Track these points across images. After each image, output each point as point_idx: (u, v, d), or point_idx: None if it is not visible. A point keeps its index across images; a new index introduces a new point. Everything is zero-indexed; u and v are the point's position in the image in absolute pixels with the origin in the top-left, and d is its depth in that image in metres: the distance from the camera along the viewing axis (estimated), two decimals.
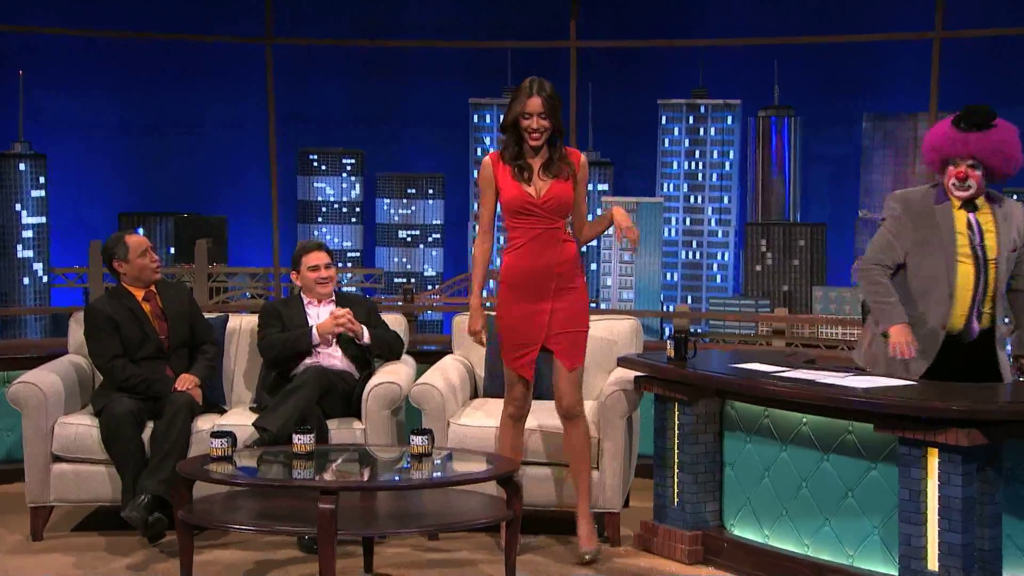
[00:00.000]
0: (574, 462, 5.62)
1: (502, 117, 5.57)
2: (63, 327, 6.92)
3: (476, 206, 11.01)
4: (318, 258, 6.51)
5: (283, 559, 5.55)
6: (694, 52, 9.42)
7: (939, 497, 4.69)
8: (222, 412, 6.31)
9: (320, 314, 6.48)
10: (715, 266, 9.90)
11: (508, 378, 5.59)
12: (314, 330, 6.31)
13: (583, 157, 5.53)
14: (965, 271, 5.13)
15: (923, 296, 5.23)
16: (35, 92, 8.44)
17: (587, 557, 5.50)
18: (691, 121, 10.15)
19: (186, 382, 6.08)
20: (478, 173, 5.63)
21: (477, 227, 5.61)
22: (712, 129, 10.31)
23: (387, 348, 6.51)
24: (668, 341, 5.85)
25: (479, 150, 10.37)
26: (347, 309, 6.38)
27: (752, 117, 10.20)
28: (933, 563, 4.72)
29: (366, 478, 5.31)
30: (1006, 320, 5.25)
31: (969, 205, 5.14)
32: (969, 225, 5.13)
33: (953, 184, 5.09)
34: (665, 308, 9.52)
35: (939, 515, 4.69)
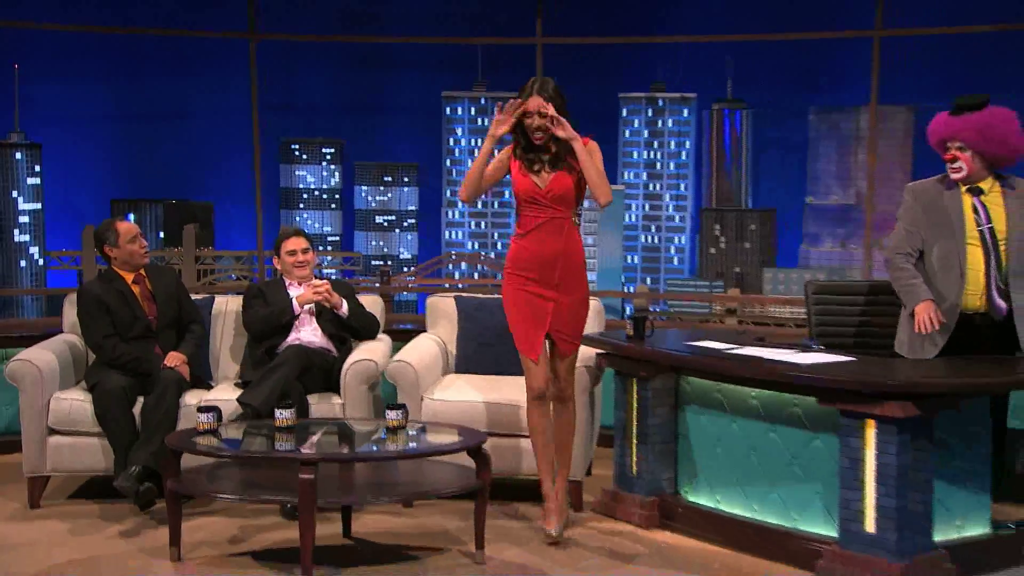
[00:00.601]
0: (559, 439, 5.52)
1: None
2: (58, 307, 6.89)
3: (448, 193, 11.06)
4: (296, 243, 6.54)
5: (266, 525, 5.55)
6: (653, 48, 9.45)
7: (876, 465, 4.74)
8: (209, 388, 6.30)
9: (297, 290, 6.52)
10: (672, 249, 9.93)
11: (524, 363, 5.46)
12: (294, 301, 6.32)
13: (591, 143, 5.40)
14: (974, 252, 5.12)
15: (939, 276, 5.24)
16: (30, 84, 8.38)
17: (553, 533, 5.36)
18: (650, 113, 10.16)
19: (174, 360, 6.07)
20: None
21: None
22: (670, 121, 10.30)
23: (365, 322, 6.53)
24: (627, 320, 5.88)
25: (451, 140, 10.35)
26: (325, 280, 6.42)
27: (707, 110, 10.21)
28: (870, 526, 4.78)
29: (345, 450, 5.31)
30: None
31: (976, 190, 5.12)
32: (975, 208, 5.10)
33: (948, 167, 5.10)
34: (626, 289, 9.54)
35: (876, 481, 4.75)
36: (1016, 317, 5.09)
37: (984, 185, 5.09)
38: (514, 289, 5.42)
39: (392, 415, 5.21)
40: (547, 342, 5.46)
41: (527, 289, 5.38)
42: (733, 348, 5.50)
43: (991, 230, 5.08)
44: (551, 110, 5.23)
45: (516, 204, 5.45)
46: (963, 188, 5.14)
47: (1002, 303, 5.14)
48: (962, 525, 5.05)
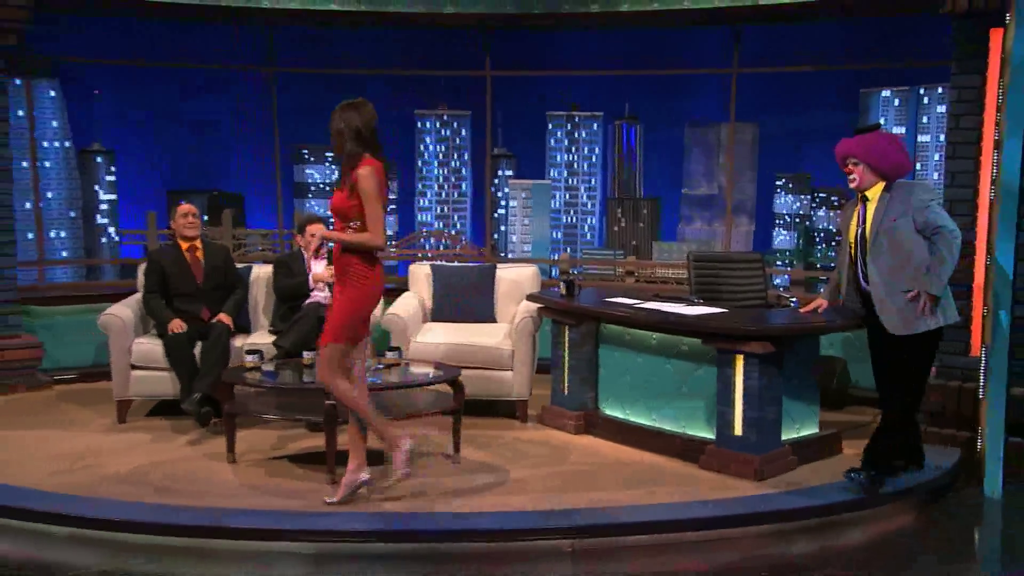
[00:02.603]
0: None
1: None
2: (129, 272, 6.75)
3: (420, 186, 11.09)
4: (316, 228, 6.45)
5: (295, 436, 5.55)
6: (571, 79, 9.51)
7: (743, 387, 4.84)
8: (249, 333, 6.23)
9: (314, 266, 6.44)
10: (586, 227, 10.01)
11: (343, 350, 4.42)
12: (311, 277, 6.25)
13: (361, 170, 4.24)
14: (848, 253, 4.72)
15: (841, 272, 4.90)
16: (106, 104, 8.23)
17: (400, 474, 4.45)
18: (569, 127, 10.18)
19: (222, 318, 5.99)
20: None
21: None
22: (583, 132, 10.35)
23: None
24: (561, 283, 5.89)
25: (422, 146, 10.37)
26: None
27: (610, 124, 10.26)
28: (739, 430, 4.88)
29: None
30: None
31: (864, 198, 4.66)
32: (860, 216, 4.66)
33: (848, 179, 4.67)
34: (552, 256, 9.63)
35: (742, 399, 4.85)
36: (876, 304, 4.58)
37: (870, 193, 4.63)
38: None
39: (391, 355, 5.20)
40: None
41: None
42: (638, 303, 5.53)
43: (862, 232, 4.63)
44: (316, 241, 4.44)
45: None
46: (859, 199, 4.68)
47: (867, 288, 4.65)
48: (799, 428, 5.17)
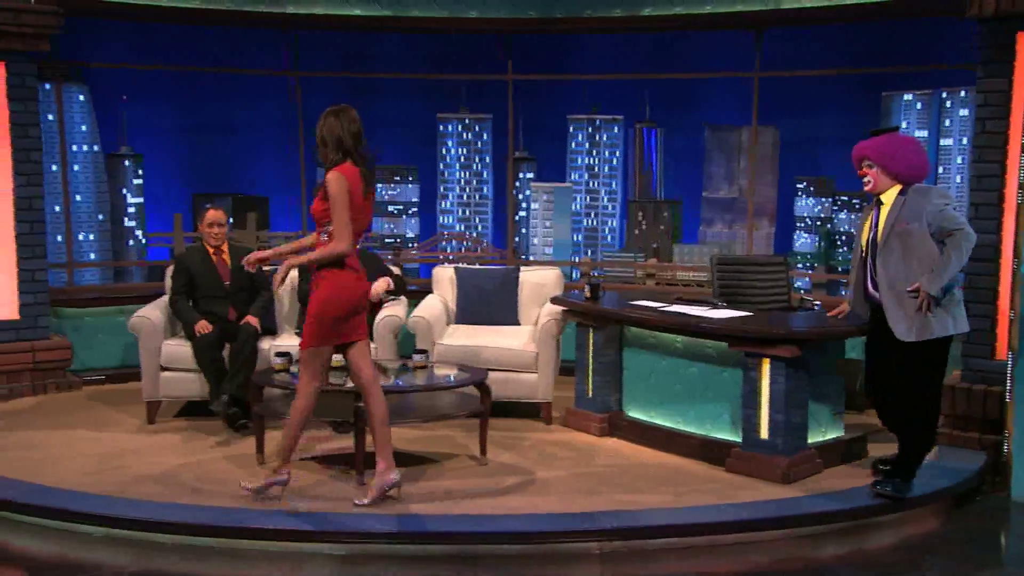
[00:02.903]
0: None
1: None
2: (156, 274, 6.81)
3: (441, 188, 11.08)
4: None
5: (321, 436, 5.57)
6: (593, 82, 9.54)
7: (769, 390, 4.82)
8: (275, 335, 6.25)
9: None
10: (607, 230, 10.01)
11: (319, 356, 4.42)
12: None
13: (330, 175, 4.26)
14: (860, 257, 4.63)
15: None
16: (133, 109, 8.32)
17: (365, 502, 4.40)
18: (590, 130, 10.19)
19: (250, 320, 6.01)
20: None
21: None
22: (604, 136, 10.35)
23: (400, 286, 6.46)
24: (586, 286, 5.89)
25: (443, 149, 10.44)
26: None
27: (631, 128, 10.27)
28: (764, 433, 4.86)
29: (388, 383, 5.09)
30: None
31: (878, 201, 4.55)
32: (872, 220, 4.56)
33: (863, 183, 4.56)
34: (573, 259, 9.64)
35: (768, 402, 4.83)
36: (886, 309, 4.48)
37: (885, 197, 4.51)
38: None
39: (418, 358, 5.21)
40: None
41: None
42: (663, 306, 5.53)
43: (874, 236, 4.53)
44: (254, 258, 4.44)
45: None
46: (874, 202, 4.58)
47: (875, 294, 4.57)
48: (825, 431, 5.15)
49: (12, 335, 6.57)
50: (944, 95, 7.80)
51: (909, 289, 4.38)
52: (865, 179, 4.55)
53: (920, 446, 4.63)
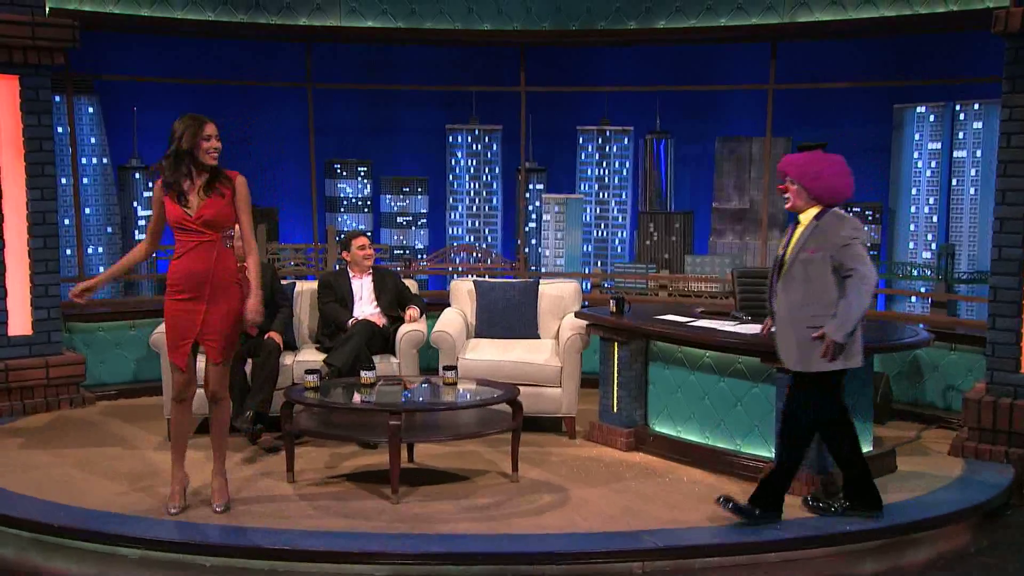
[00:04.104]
0: (215, 432, 4.68)
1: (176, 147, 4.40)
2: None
3: (450, 200, 11.02)
4: (363, 241, 6.51)
5: (348, 454, 5.54)
6: (602, 94, 9.52)
7: None
8: (296, 350, 6.25)
9: (363, 285, 6.43)
10: (617, 241, 9.98)
11: (170, 368, 4.64)
12: (350, 320, 6.23)
13: (241, 177, 4.43)
14: (770, 271, 4.54)
15: None
16: (143, 120, 8.29)
17: (219, 509, 4.56)
18: (600, 141, 10.17)
19: (273, 336, 6.00)
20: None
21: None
22: (614, 147, 10.33)
23: (418, 301, 6.47)
24: (611, 301, 5.88)
25: (452, 160, 10.42)
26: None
27: (641, 139, 10.23)
28: None
29: (420, 400, 5.12)
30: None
31: (797, 221, 4.39)
32: (786, 239, 4.41)
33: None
34: (584, 270, 9.62)
35: None
36: (777, 333, 4.42)
37: (803, 217, 4.34)
38: (169, 303, 4.49)
39: (448, 374, 5.19)
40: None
41: (179, 303, 4.45)
42: (690, 320, 5.52)
43: (782, 256, 4.36)
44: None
45: (171, 230, 4.42)
46: (795, 221, 4.41)
47: (774, 310, 4.45)
48: None
49: (25, 351, 6.50)
50: (957, 107, 7.81)
51: (814, 336, 4.19)
52: (785, 196, 4.39)
53: (789, 473, 4.43)
